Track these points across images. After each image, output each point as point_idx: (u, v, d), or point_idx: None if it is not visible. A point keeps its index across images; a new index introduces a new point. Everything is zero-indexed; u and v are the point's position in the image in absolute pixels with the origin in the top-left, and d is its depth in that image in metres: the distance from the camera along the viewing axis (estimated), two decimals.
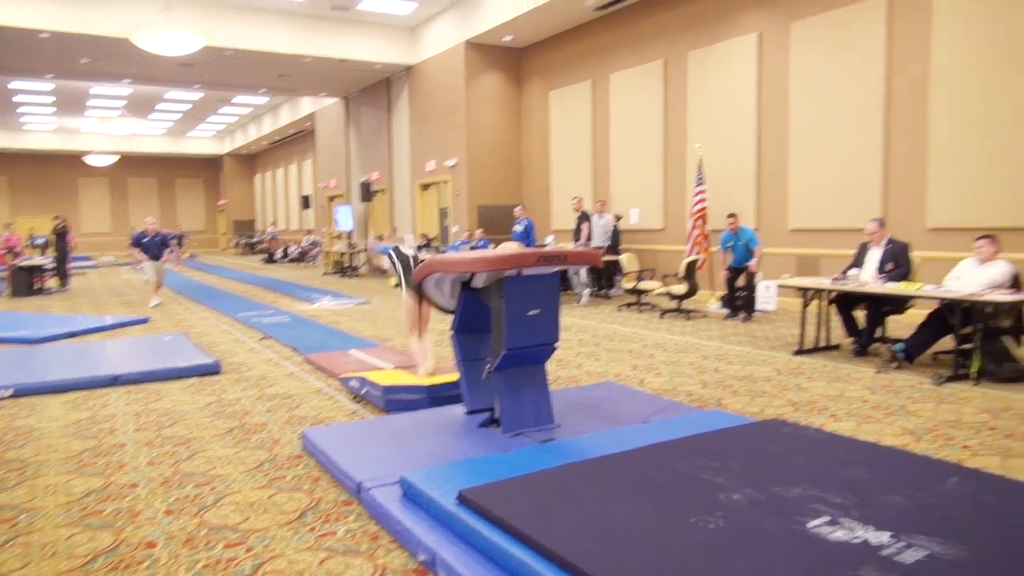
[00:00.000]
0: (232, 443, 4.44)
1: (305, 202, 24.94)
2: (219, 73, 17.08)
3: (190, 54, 12.75)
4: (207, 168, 35.54)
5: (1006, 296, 5.54)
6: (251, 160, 34.37)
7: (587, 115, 13.38)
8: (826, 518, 2.69)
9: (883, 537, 2.52)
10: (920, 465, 3.46)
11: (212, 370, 6.53)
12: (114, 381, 6.08)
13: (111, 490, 3.69)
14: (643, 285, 10.20)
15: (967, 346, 5.72)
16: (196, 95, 22.49)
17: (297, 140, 27.68)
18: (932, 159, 8.29)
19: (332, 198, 22.00)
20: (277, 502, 3.47)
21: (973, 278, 5.95)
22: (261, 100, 24.29)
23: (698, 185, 10.27)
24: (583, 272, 11.28)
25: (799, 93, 9.71)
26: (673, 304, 9.71)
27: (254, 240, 32.03)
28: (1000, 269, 5.86)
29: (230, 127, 30.56)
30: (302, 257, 24.79)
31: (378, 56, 15.95)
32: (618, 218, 12.05)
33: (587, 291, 11.36)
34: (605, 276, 11.97)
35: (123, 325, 9.63)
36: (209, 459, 4.14)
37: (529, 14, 12.59)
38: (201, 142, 33.39)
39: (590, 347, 7.51)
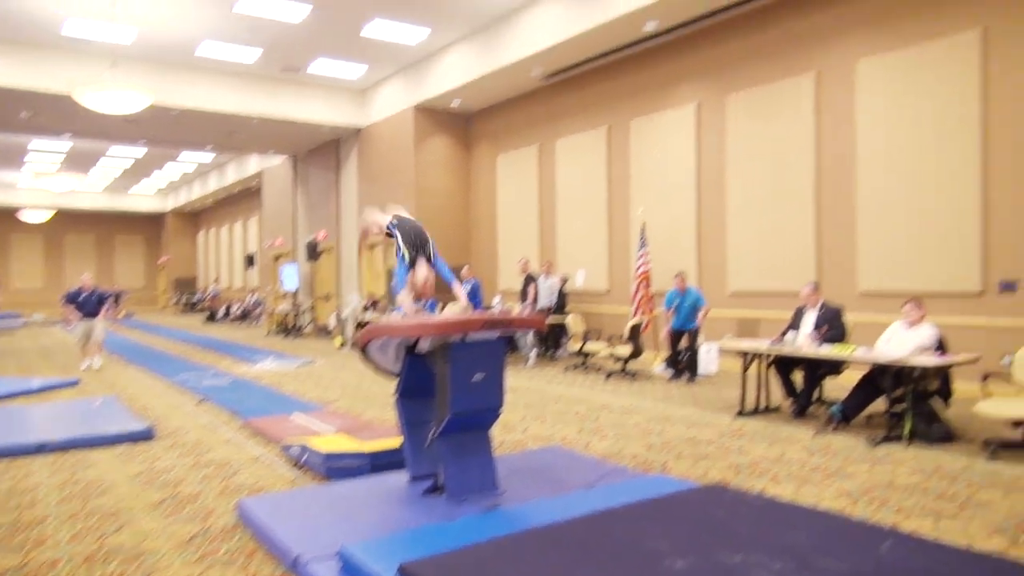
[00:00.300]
0: (163, 515, 4.25)
1: (250, 260, 24.61)
2: (165, 130, 16.93)
3: (135, 112, 12.65)
4: (149, 225, 34.86)
5: (933, 360, 5.77)
6: (195, 217, 33.86)
7: (534, 179, 13.66)
8: None
9: None
10: (856, 529, 3.53)
11: (144, 436, 6.28)
12: (40, 449, 5.79)
13: (29, 569, 3.48)
14: (589, 347, 10.29)
15: (899, 408, 5.90)
16: (140, 151, 22.20)
17: (243, 198, 27.45)
18: (861, 226, 8.69)
19: (277, 257, 21.76)
20: None
21: (902, 341, 6.19)
22: (207, 157, 24.09)
23: (641, 248, 10.52)
24: (530, 334, 11.33)
25: (736, 162, 10.13)
26: (618, 366, 9.80)
27: (196, 298, 31.31)
28: (927, 333, 6.11)
29: (174, 184, 30.14)
30: (245, 316, 24.30)
31: (328, 118, 16.09)
32: (564, 280, 12.21)
33: (534, 353, 11.40)
34: (552, 338, 12.04)
35: (51, 388, 9.21)
36: (137, 533, 3.96)
37: (477, 81, 12.92)
38: (143, 198, 32.82)
39: (536, 410, 7.50)
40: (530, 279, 11.86)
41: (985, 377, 5.63)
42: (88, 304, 11.21)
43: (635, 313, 10.32)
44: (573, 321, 11.04)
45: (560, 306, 11.81)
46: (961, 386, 6.23)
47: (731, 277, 10.21)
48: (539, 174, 13.57)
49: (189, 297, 31.65)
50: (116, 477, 5.10)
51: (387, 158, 15.81)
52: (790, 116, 9.43)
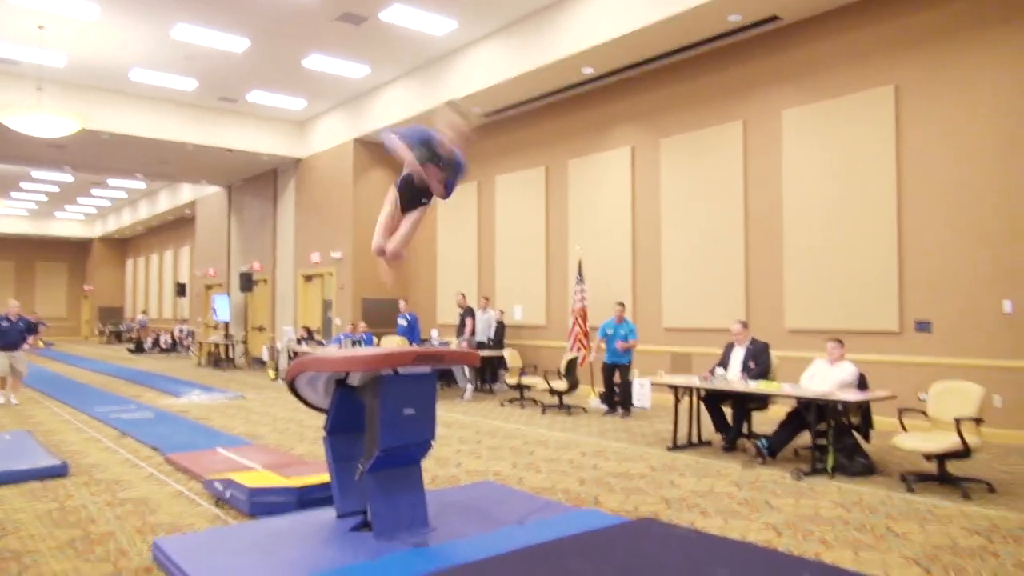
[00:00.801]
0: (72, 556, 4.03)
1: (180, 290, 23.88)
2: (93, 156, 16.41)
3: (64, 136, 12.25)
4: (73, 252, 33.53)
5: (854, 395, 5.98)
6: (123, 245, 32.76)
7: (473, 214, 13.73)
8: None
9: None
10: (779, 561, 3.59)
11: (58, 472, 5.97)
12: None
13: None
14: (526, 380, 10.30)
15: (822, 442, 6.08)
16: (66, 177, 21.43)
17: (175, 226, 26.73)
18: (787, 266, 9.01)
19: (209, 287, 21.20)
20: None
21: (825, 377, 6.40)
22: (138, 185, 23.40)
23: (578, 284, 10.65)
24: (467, 368, 11.29)
25: (670, 203, 10.41)
26: (555, 400, 9.83)
27: (122, 328, 30.15)
28: (847, 370, 6.34)
29: (102, 211, 29.18)
30: (174, 347, 23.51)
31: (266, 148, 15.89)
32: (501, 314, 12.23)
33: (470, 387, 11.34)
34: (489, 371, 12.02)
35: None
36: (44, 575, 3.73)
37: (416, 117, 12.97)
38: (69, 224, 31.59)
39: (471, 444, 7.44)
40: (468, 312, 11.85)
41: (901, 412, 5.86)
42: (12, 334, 10.51)
43: (572, 348, 10.40)
44: (510, 355, 11.05)
45: (498, 340, 11.82)
46: (880, 420, 6.47)
47: (665, 313, 10.41)
48: (478, 209, 13.66)
49: (115, 327, 30.46)
50: (23, 516, 4.81)
51: (326, 190, 15.67)
52: (721, 161, 9.78)
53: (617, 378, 9.37)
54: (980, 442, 5.41)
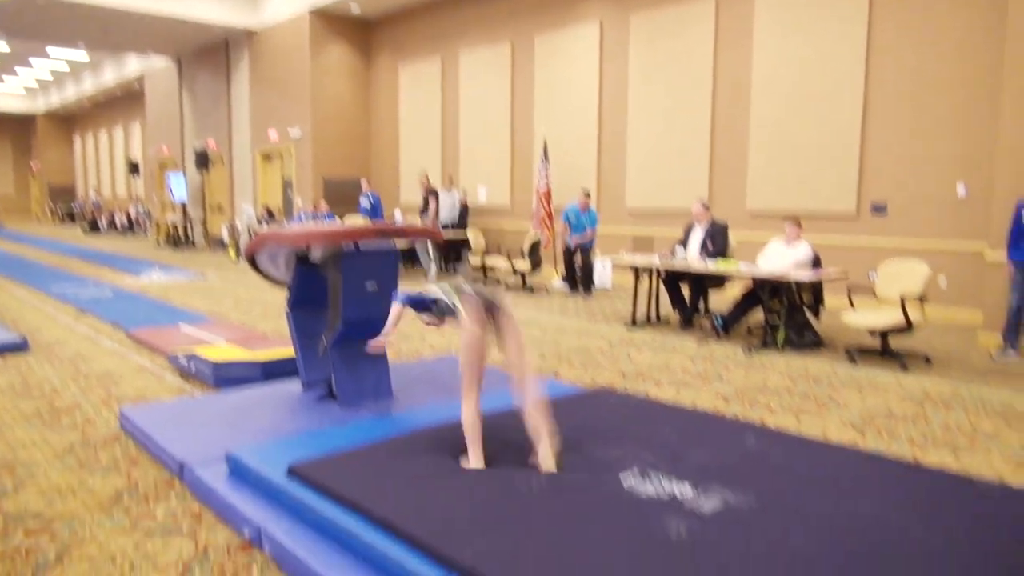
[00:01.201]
0: (38, 425, 4.08)
1: (134, 168, 23.07)
2: (29, 23, 15.31)
3: None
4: (16, 128, 31.97)
5: (807, 274, 6.16)
6: (70, 121, 31.26)
7: (436, 91, 13.31)
8: (638, 475, 2.90)
9: (687, 490, 2.75)
10: (726, 425, 3.80)
11: (18, 347, 5.95)
12: None
13: None
14: (489, 262, 10.37)
15: (774, 319, 6.31)
16: (1, 46, 20.06)
17: (123, 101, 25.48)
18: (752, 149, 9.01)
19: (163, 165, 20.52)
20: (88, 486, 3.24)
21: (781, 258, 6.55)
22: (81, 56, 22.02)
23: (543, 165, 10.54)
24: (430, 248, 11.29)
25: (637, 81, 10.19)
26: (518, 280, 9.95)
27: (74, 208, 29.29)
28: (803, 250, 6.48)
29: (43, 84, 27.60)
30: (131, 227, 22.99)
31: (216, 17, 14.97)
32: (465, 194, 12.12)
33: (434, 267, 11.38)
34: (453, 252, 12.04)
35: None
36: (9, 443, 3.79)
37: None
38: (8, 98, 29.91)
39: None
40: (431, 193, 11.72)
41: (851, 290, 6.07)
42: None
43: (536, 229, 10.42)
44: (474, 236, 11.06)
45: (462, 222, 11.77)
46: (832, 300, 6.70)
47: (629, 195, 10.42)
48: (442, 87, 13.23)
49: (67, 206, 29.57)
50: None
51: (282, 63, 14.97)
52: (690, 39, 9.52)
53: (579, 260, 9.48)
54: (923, 319, 5.66)
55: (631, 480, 2.86)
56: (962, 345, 6.45)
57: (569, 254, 9.56)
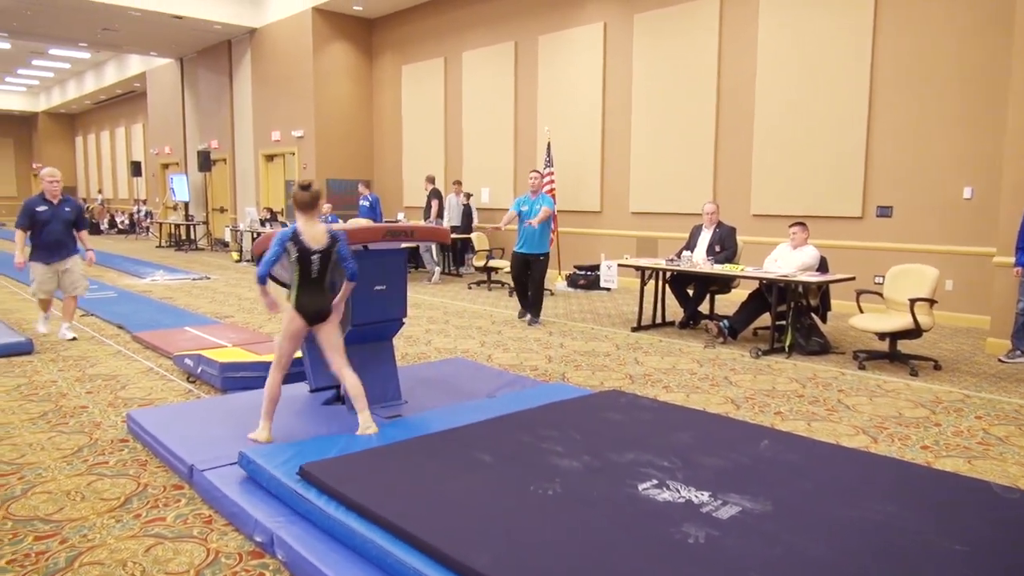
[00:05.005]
0: (46, 428, 4.06)
1: (136, 169, 23.01)
2: (31, 21, 15.29)
3: None
4: (18, 126, 31.93)
5: (814, 277, 6.13)
6: (71, 120, 31.21)
7: (439, 92, 13.29)
8: (654, 480, 2.88)
9: (703, 496, 2.73)
10: (737, 429, 3.77)
11: (23, 350, 5.93)
12: None
13: None
14: (493, 263, 10.34)
15: (781, 322, 6.28)
16: (2, 44, 20.03)
17: (125, 101, 25.45)
18: (756, 151, 8.98)
19: (166, 166, 20.50)
20: (97, 489, 3.22)
21: (788, 261, 6.53)
22: (82, 55, 22.01)
23: (547, 167, 10.52)
24: (434, 250, 11.27)
25: (641, 83, 10.16)
26: None
27: None
28: (809, 253, 6.47)
29: (45, 83, 27.56)
30: (133, 228, 22.96)
31: (218, 16, 14.95)
32: (468, 196, 12.11)
33: (438, 269, 11.36)
34: (457, 255, 12.02)
35: None
36: (17, 446, 3.77)
37: None
38: (9, 96, 29.86)
39: (440, 324, 7.53)
40: (434, 194, 11.70)
41: (859, 294, 6.04)
42: (56, 227, 6.69)
43: None
44: (477, 239, 11.03)
45: (467, 224, 11.75)
46: (839, 303, 6.68)
47: (633, 196, 10.40)
48: (445, 87, 13.21)
49: None
50: None
51: (284, 63, 14.96)
52: (695, 40, 9.49)
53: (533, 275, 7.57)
54: (932, 322, 5.64)
55: (646, 484, 2.83)
56: (970, 349, 6.43)
57: (518, 261, 7.56)
